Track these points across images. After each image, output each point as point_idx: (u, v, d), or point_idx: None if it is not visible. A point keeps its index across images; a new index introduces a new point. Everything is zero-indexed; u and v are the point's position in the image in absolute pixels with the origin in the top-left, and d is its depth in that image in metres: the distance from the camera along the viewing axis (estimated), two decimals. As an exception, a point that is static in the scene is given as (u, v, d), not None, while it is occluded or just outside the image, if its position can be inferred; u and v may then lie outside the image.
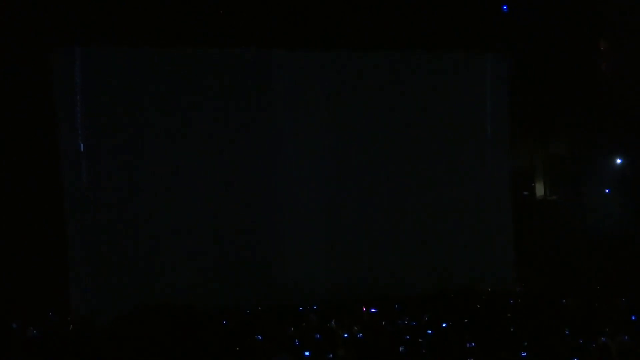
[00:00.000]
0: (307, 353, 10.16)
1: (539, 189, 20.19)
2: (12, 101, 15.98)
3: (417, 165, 18.38)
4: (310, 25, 17.38)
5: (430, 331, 11.88)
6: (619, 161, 19.03)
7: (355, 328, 12.40)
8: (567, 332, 11.39)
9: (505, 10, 18.45)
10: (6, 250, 15.82)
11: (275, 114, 17.82)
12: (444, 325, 12.33)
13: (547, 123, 19.67)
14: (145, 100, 17.09)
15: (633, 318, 12.51)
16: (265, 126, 17.75)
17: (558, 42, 18.15)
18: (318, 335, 11.62)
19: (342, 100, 18.07)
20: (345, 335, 11.86)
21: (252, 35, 17.22)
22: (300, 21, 17.30)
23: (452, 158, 18.54)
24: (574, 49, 18.32)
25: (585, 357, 9.84)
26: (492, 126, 18.88)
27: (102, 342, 11.74)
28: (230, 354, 10.59)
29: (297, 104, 17.90)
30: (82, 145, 16.73)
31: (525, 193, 19.87)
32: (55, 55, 16.51)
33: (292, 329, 12.70)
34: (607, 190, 19.00)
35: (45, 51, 16.26)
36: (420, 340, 10.90)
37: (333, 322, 12.88)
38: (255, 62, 17.64)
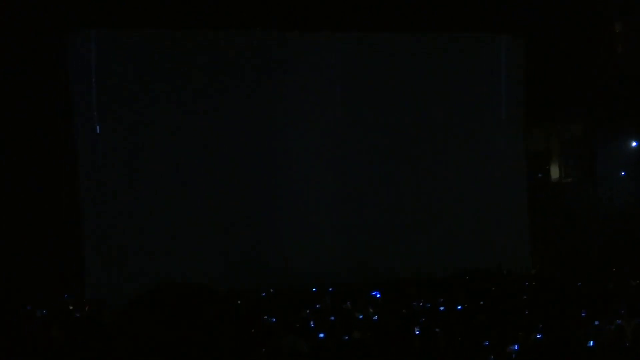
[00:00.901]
0: (321, 335, 10.16)
1: (554, 171, 20.13)
2: (28, 83, 16.01)
3: (431, 147, 18.35)
4: (324, 7, 17.31)
5: (445, 313, 11.88)
6: (634, 143, 18.95)
7: (370, 310, 12.41)
8: (582, 314, 11.37)
9: (520, -8, 18.36)
10: (22, 234, 15.88)
11: (289, 96, 17.80)
12: (459, 307, 12.32)
13: (562, 105, 19.57)
14: (160, 81, 17.11)
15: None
16: (278, 108, 17.73)
17: (573, 23, 18.04)
18: (333, 318, 11.64)
19: (355, 82, 18.05)
20: (360, 317, 11.87)
21: (266, 17, 17.17)
22: (314, 3, 17.24)
23: (467, 140, 18.49)
24: (589, 31, 18.23)
25: (600, 339, 9.82)
26: (506, 108, 18.82)
27: (117, 322, 11.77)
28: (244, 335, 10.60)
29: (310, 85, 17.89)
30: (98, 126, 16.74)
31: (540, 175, 19.80)
32: (71, 37, 16.54)
33: (307, 311, 12.71)
34: (622, 173, 18.93)
35: (62, 33, 16.27)
36: (435, 322, 10.90)
37: (348, 304, 12.88)
38: (270, 44, 17.62)
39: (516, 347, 9.15)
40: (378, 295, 14.27)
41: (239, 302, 13.54)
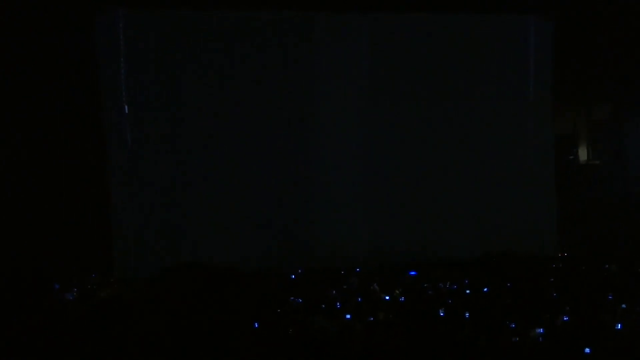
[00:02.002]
0: (348, 316, 10.21)
1: (582, 154, 20.02)
2: (56, 64, 16.11)
3: (458, 128, 18.25)
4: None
5: (471, 296, 11.91)
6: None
7: (397, 291, 12.45)
8: (609, 297, 11.36)
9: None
10: (50, 212, 16.02)
11: (316, 78, 17.79)
12: (485, 289, 12.34)
13: (591, 87, 19.44)
14: (187, 62, 17.14)
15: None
16: (305, 90, 17.72)
17: (603, 4, 17.91)
18: (359, 298, 11.68)
19: (383, 64, 17.97)
20: (387, 298, 11.91)
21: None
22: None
23: (494, 122, 18.36)
24: (619, 11, 18.07)
25: (628, 322, 9.81)
26: (534, 90, 18.68)
27: (144, 299, 11.87)
28: (270, 316, 10.67)
29: (337, 67, 17.84)
30: (126, 107, 16.82)
31: (568, 157, 19.71)
32: (99, 17, 16.58)
33: (334, 291, 12.77)
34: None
35: (89, 14, 16.34)
36: (461, 304, 10.92)
37: (375, 285, 12.92)
38: (297, 26, 17.60)
39: (541, 331, 9.17)
40: (413, 273, 14.32)
41: (266, 282, 13.63)
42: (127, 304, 11.98)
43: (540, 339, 9.07)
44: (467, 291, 12.46)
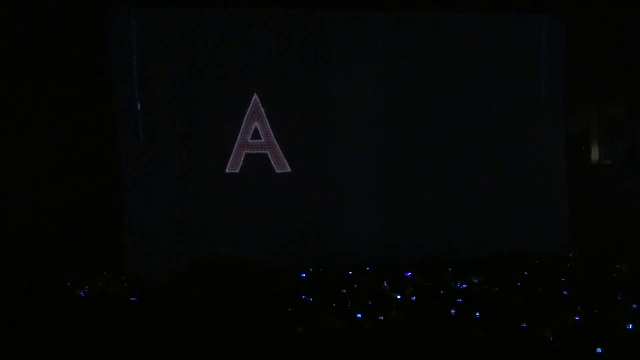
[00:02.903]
0: (359, 315, 10.20)
1: (594, 153, 19.98)
2: (68, 62, 16.15)
3: (470, 128, 18.26)
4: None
5: (482, 295, 11.88)
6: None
7: (408, 290, 12.43)
8: (620, 297, 11.33)
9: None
10: (61, 210, 16.05)
11: (329, 76, 17.80)
12: (496, 288, 12.31)
13: (603, 86, 19.37)
14: (200, 59, 17.17)
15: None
16: (319, 87, 17.75)
17: (615, 3, 17.85)
18: (370, 297, 11.67)
19: (396, 63, 17.98)
20: (398, 297, 11.90)
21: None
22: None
23: (506, 121, 18.37)
24: (631, 10, 18.02)
25: (639, 322, 9.79)
26: (546, 89, 18.68)
27: (159, 296, 11.86)
28: (282, 313, 10.65)
29: (352, 66, 17.86)
30: (138, 104, 16.86)
31: (580, 157, 19.66)
32: (111, 14, 16.63)
33: (344, 290, 12.76)
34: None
35: (101, 11, 16.37)
36: (472, 303, 10.90)
37: (385, 284, 12.91)
38: (312, 23, 17.61)
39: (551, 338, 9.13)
40: (408, 275, 14.30)
41: (278, 280, 13.60)
42: (142, 301, 11.98)
43: (551, 339, 9.05)
44: (478, 290, 12.44)
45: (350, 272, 15.24)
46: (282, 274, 14.16)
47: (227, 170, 17.25)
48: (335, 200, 17.74)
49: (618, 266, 14.88)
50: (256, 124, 17.34)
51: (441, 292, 12.48)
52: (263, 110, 17.35)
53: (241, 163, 17.31)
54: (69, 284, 13.71)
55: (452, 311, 10.46)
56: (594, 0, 17.79)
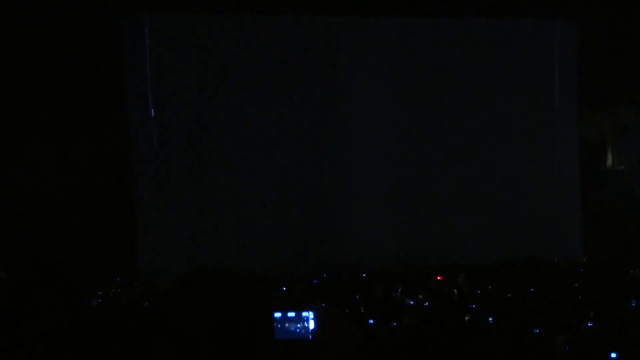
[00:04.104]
0: (371, 321, 10.20)
1: (608, 158, 19.93)
2: (82, 69, 16.21)
3: (484, 133, 18.25)
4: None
5: (496, 300, 11.87)
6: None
7: (420, 296, 12.43)
8: (633, 303, 11.30)
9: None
10: (75, 218, 16.11)
11: (341, 81, 17.81)
12: (509, 294, 12.30)
13: (615, 91, 19.33)
14: (212, 65, 17.20)
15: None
16: (332, 93, 17.76)
17: (627, 9, 17.82)
18: (383, 304, 11.67)
19: (408, 69, 17.99)
20: (411, 302, 11.90)
21: (321, 1, 17.22)
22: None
23: (520, 127, 18.36)
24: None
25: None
26: (560, 94, 18.66)
27: (165, 305, 11.89)
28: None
29: (364, 71, 17.86)
30: (152, 110, 16.90)
31: (593, 162, 19.62)
32: (124, 22, 16.69)
33: (357, 296, 12.76)
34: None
35: (114, 18, 16.44)
36: (486, 309, 10.90)
37: (399, 291, 12.90)
38: (325, 29, 17.63)
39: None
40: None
41: (288, 288, 13.63)
42: (150, 309, 12.01)
43: (565, 344, 9.04)
44: (492, 296, 12.43)
45: (365, 275, 15.27)
46: (294, 281, 14.20)
47: (240, 177, 17.28)
48: (348, 208, 17.75)
49: (631, 271, 14.84)
50: (267, 130, 17.44)
51: (455, 298, 12.49)
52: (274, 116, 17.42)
53: (255, 170, 17.34)
54: (81, 291, 13.74)
55: (467, 317, 10.48)
56: (607, 5, 17.75)
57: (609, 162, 19.84)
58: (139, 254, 16.89)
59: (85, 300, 13.03)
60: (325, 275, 15.73)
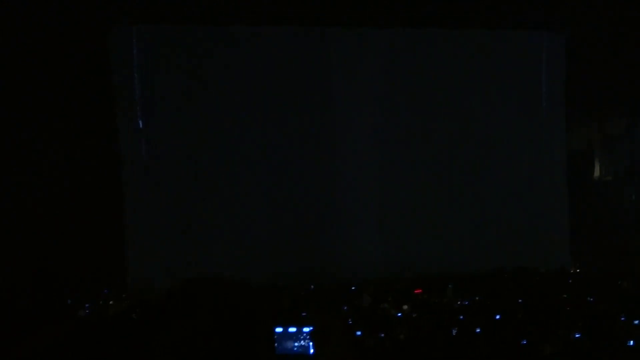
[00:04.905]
0: (359, 332, 10.20)
1: (596, 169, 19.99)
2: (69, 80, 16.19)
3: (471, 143, 18.26)
4: (365, 2, 17.32)
5: (483, 311, 11.88)
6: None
7: (405, 307, 12.44)
8: (622, 314, 11.33)
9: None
10: (64, 228, 16.07)
11: (333, 93, 17.81)
12: (497, 305, 12.32)
13: (603, 102, 19.40)
14: (202, 77, 17.19)
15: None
16: (322, 105, 17.75)
17: (616, 19, 17.89)
18: (371, 315, 11.66)
19: (397, 79, 18.00)
20: (399, 314, 11.90)
21: (310, 12, 17.22)
22: None
23: (507, 136, 18.38)
24: (633, 27, 18.07)
25: (640, 338, 9.79)
26: (547, 105, 18.69)
27: (154, 314, 11.87)
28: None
29: (349, 83, 17.87)
30: (140, 121, 16.88)
31: (581, 173, 19.67)
32: (113, 33, 16.67)
33: (345, 307, 12.76)
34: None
35: (103, 29, 16.43)
36: (473, 320, 10.91)
37: (386, 302, 12.91)
38: (313, 40, 17.65)
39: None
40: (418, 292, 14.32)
41: (277, 298, 13.63)
42: (141, 318, 12.01)
43: (554, 356, 9.05)
44: (480, 307, 12.44)
45: (353, 288, 15.28)
46: (282, 292, 14.20)
47: (228, 187, 17.27)
48: (338, 218, 17.74)
49: (619, 282, 14.89)
50: (256, 141, 17.44)
51: (442, 308, 12.50)
52: (264, 127, 17.41)
53: (243, 180, 17.33)
54: (70, 302, 13.72)
55: (453, 328, 10.48)
56: (595, 16, 17.82)
57: (597, 172, 19.90)
58: (127, 265, 16.85)
59: (73, 312, 13.02)
60: (312, 286, 15.72)
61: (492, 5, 17.68)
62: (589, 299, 13.16)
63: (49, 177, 16.28)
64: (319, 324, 9.29)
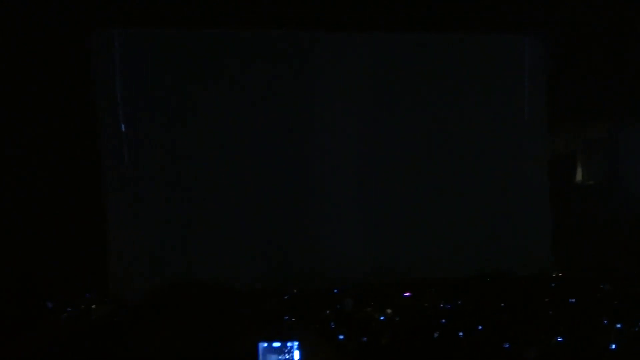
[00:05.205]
0: (341, 336, 10.18)
1: (577, 173, 20.03)
2: (51, 83, 16.10)
3: (452, 148, 18.27)
4: (346, 7, 17.31)
5: (465, 315, 11.89)
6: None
7: (389, 311, 12.43)
8: (604, 318, 11.36)
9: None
10: (45, 232, 15.98)
11: (312, 97, 17.79)
12: (480, 309, 12.33)
13: (585, 106, 19.44)
14: (183, 81, 17.13)
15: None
16: (302, 109, 17.73)
17: (597, 23, 17.96)
18: (353, 319, 11.65)
19: (379, 84, 17.98)
20: (381, 318, 11.89)
21: (290, 17, 17.19)
22: (338, 2, 17.24)
23: (489, 142, 18.39)
24: (614, 31, 18.14)
25: (623, 342, 9.81)
26: (529, 110, 18.73)
27: (136, 319, 11.83)
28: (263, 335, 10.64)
29: (334, 87, 17.85)
30: (122, 126, 16.82)
31: (562, 177, 19.70)
32: (94, 36, 16.60)
33: (327, 311, 12.75)
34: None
35: (84, 33, 16.36)
36: (455, 323, 10.91)
37: (369, 306, 12.90)
38: (294, 45, 17.63)
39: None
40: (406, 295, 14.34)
41: (259, 302, 13.60)
42: (121, 325, 11.96)
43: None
44: (462, 311, 12.45)
45: (335, 291, 15.28)
46: (264, 297, 14.17)
47: (211, 191, 17.23)
48: (318, 221, 17.72)
49: (601, 286, 14.93)
50: (239, 145, 17.39)
51: (424, 312, 12.50)
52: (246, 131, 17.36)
53: (226, 184, 17.29)
54: (50, 306, 13.64)
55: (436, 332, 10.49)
56: (577, 20, 17.88)
57: (579, 176, 19.93)
58: (109, 268, 16.77)
59: (55, 317, 12.95)
60: (295, 290, 15.71)
61: (473, 9, 17.71)
62: (571, 302, 13.19)
63: (29, 180, 16.19)
64: (304, 339, 9.27)
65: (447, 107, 18.17)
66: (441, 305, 13.16)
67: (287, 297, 15.15)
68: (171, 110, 17.03)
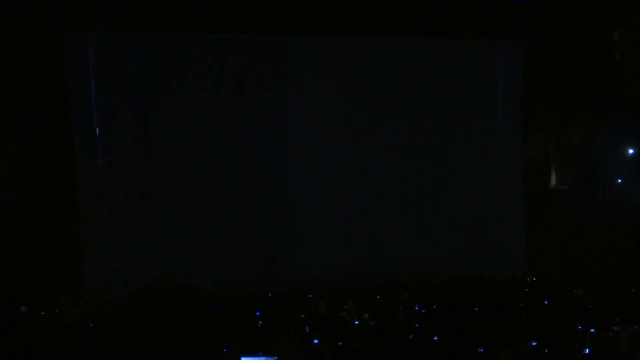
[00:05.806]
0: (316, 341, 10.16)
1: (552, 179, 20.10)
2: (25, 86, 16.01)
3: (429, 154, 18.32)
4: (324, 11, 17.32)
5: (440, 319, 11.90)
6: (631, 151, 18.94)
7: (366, 315, 12.43)
8: (578, 322, 11.39)
9: (519, -2, 18.36)
10: (18, 235, 15.87)
11: (288, 101, 17.79)
12: (454, 313, 12.34)
13: (561, 111, 19.51)
14: (158, 84, 17.08)
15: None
16: (278, 113, 17.73)
17: (572, 29, 18.05)
18: (328, 323, 11.63)
19: (355, 88, 18.00)
20: (357, 322, 11.88)
21: (266, 20, 17.19)
22: (314, 6, 17.24)
23: (464, 146, 18.45)
24: (588, 37, 18.24)
25: (596, 347, 9.84)
26: (504, 115, 18.80)
27: (112, 321, 11.78)
28: (238, 339, 10.61)
29: (310, 91, 17.86)
30: (97, 129, 16.74)
31: (538, 181, 19.77)
32: (69, 39, 16.52)
33: (302, 316, 12.72)
34: (619, 181, 18.94)
35: (59, 36, 16.27)
36: (430, 328, 10.91)
37: (344, 310, 12.89)
38: (270, 48, 17.62)
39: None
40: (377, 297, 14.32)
41: (233, 305, 13.56)
42: (97, 328, 11.89)
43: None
44: (437, 315, 12.46)
45: (310, 296, 15.24)
46: (239, 300, 14.13)
47: (187, 194, 17.19)
48: (294, 224, 17.73)
49: (575, 291, 14.98)
50: (214, 148, 17.38)
51: (399, 316, 12.50)
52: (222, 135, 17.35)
53: (202, 187, 17.26)
54: (24, 310, 13.55)
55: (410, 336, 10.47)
56: (552, 25, 17.96)
57: (553, 181, 20.01)
58: (82, 272, 16.68)
59: (28, 322, 12.85)
60: (270, 294, 15.67)
61: (450, 15, 17.77)
62: (544, 306, 13.23)
63: (2, 183, 16.09)
64: (284, 354, 9.27)
65: (422, 112, 18.23)
66: (416, 309, 13.16)
67: (262, 301, 15.11)
68: (146, 113, 16.98)
